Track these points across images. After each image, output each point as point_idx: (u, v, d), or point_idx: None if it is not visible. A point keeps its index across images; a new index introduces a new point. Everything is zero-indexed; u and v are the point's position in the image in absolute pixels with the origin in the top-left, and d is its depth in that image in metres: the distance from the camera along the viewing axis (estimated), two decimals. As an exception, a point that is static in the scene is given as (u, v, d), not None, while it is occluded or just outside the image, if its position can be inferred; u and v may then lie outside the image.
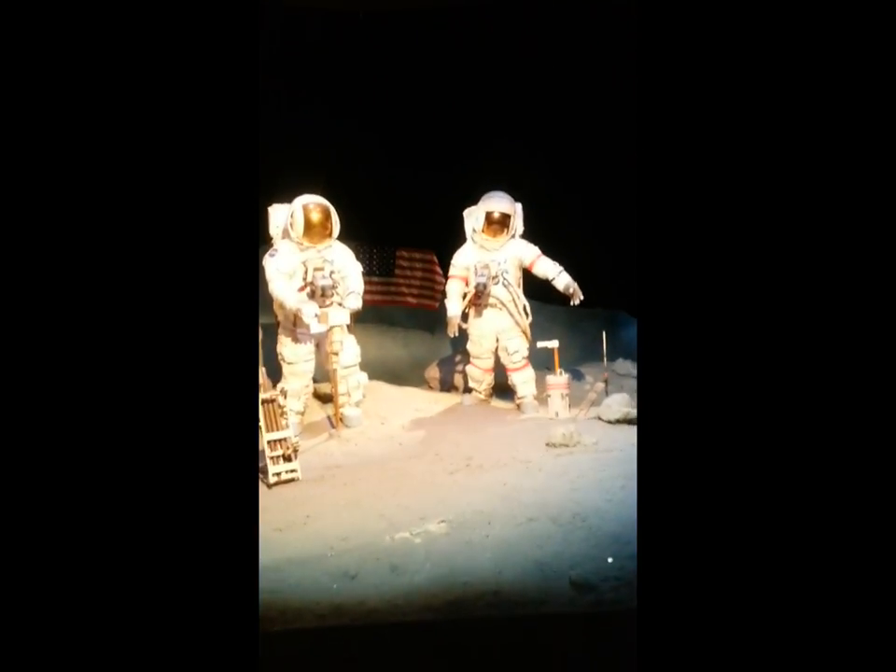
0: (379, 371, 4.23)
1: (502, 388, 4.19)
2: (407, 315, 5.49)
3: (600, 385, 3.85)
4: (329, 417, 3.84)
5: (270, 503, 2.57)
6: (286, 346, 3.75)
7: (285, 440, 3.00)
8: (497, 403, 4.18)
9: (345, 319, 3.51)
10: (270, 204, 3.81)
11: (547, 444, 2.99)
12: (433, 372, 4.91)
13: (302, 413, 3.76)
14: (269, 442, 2.98)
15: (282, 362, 3.79)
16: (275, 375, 3.82)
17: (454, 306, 4.00)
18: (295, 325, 3.70)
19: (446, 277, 4.19)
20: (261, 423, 3.04)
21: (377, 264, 5.06)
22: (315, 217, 3.58)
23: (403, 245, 5.01)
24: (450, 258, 4.11)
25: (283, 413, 3.08)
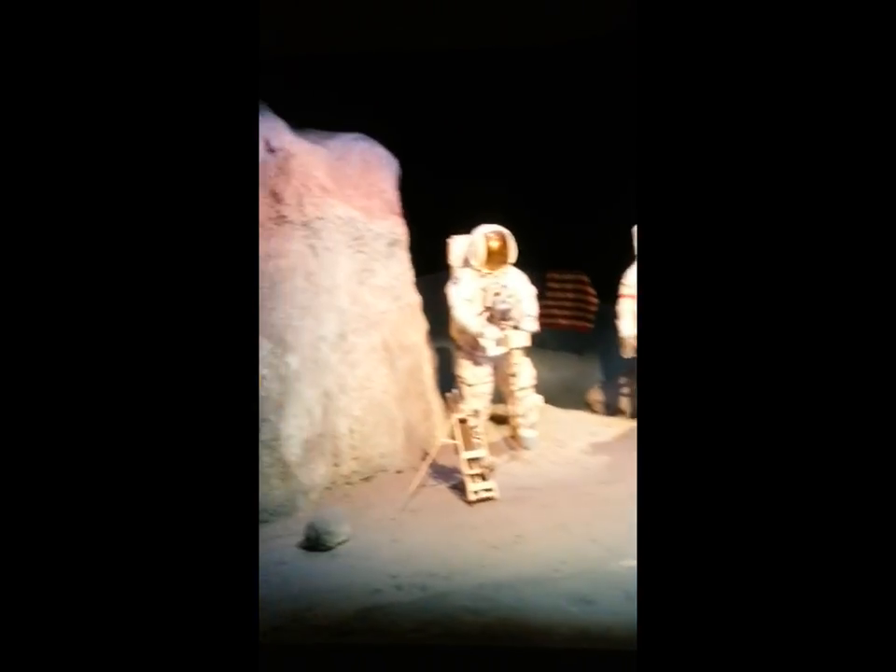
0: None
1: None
2: (554, 336, 5.49)
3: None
4: (504, 439, 3.93)
5: (478, 521, 2.70)
6: (466, 369, 3.92)
7: (480, 459, 3.13)
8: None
9: (526, 342, 3.60)
10: (449, 237, 4.05)
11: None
12: (596, 395, 4.84)
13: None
14: (467, 461, 3.12)
15: (461, 384, 3.96)
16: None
17: (628, 326, 3.95)
18: (474, 348, 3.87)
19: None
20: (458, 442, 3.20)
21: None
22: (495, 244, 3.73)
23: (553, 268, 5.04)
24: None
25: (475, 434, 3.22)
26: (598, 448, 3.70)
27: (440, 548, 2.54)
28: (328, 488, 3.39)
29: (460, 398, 3.45)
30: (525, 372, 3.75)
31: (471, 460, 3.13)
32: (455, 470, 3.20)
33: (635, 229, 4.13)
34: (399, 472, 3.70)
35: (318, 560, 2.59)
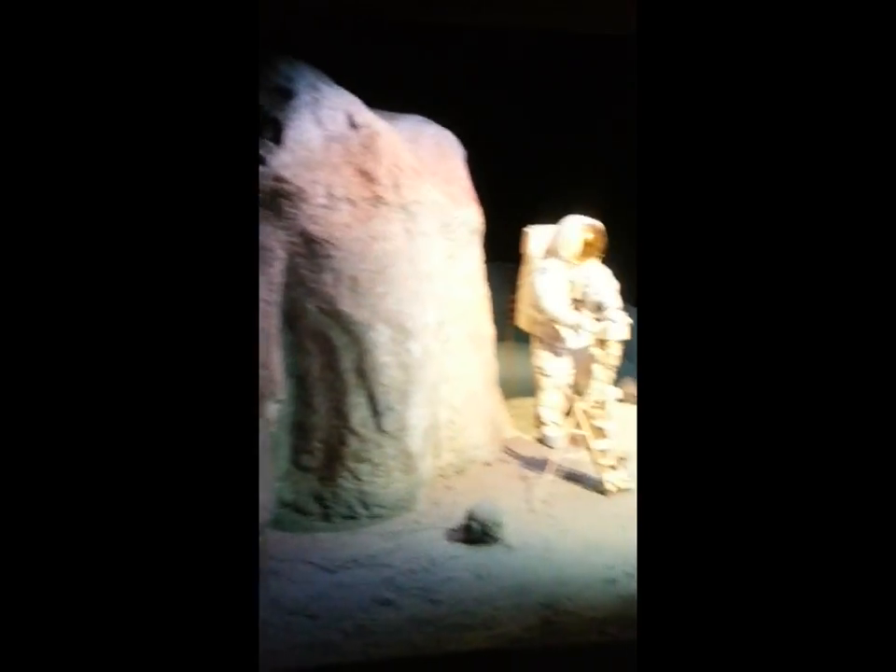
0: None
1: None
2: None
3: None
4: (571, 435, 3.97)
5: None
6: (546, 360, 3.92)
7: (609, 449, 3.15)
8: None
9: (626, 333, 3.67)
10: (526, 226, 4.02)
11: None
12: (630, 389, 5.02)
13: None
14: (598, 451, 3.13)
15: (541, 375, 3.96)
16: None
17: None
18: (556, 340, 3.87)
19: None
20: (587, 432, 3.19)
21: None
22: (590, 236, 3.77)
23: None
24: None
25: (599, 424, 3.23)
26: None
27: (625, 536, 2.53)
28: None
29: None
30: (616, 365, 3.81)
31: (602, 450, 3.14)
32: (538, 462, 3.19)
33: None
34: (487, 464, 3.64)
35: (494, 553, 2.48)
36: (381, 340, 3.07)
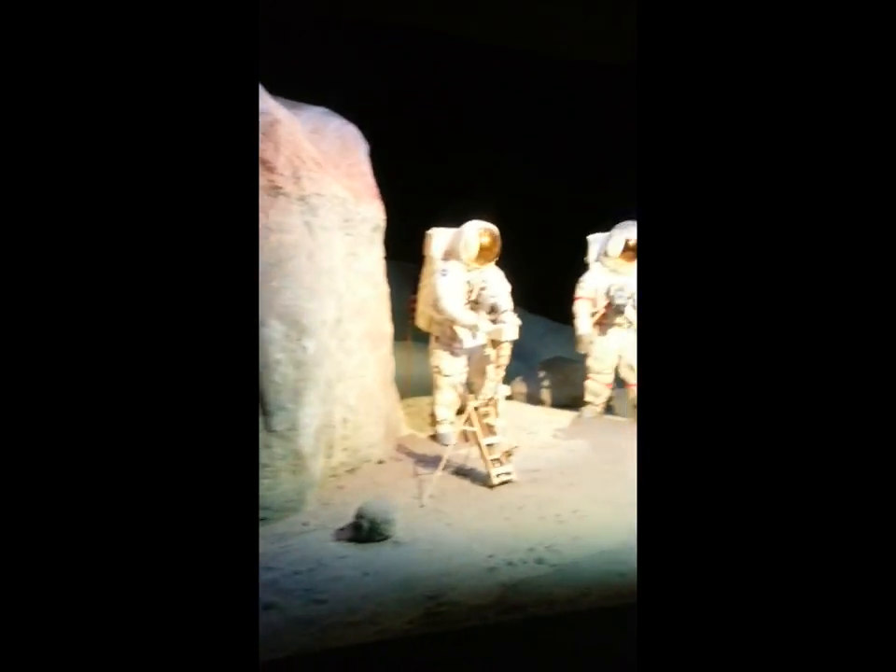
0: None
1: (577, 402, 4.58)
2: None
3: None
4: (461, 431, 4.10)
5: (516, 501, 2.88)
6: (443, 360, 4.00)
7: (498, 444, 3.27)
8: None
9: (516, 335, 3.82)
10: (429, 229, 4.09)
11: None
12: (518, 388, 5.25)
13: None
14: (487, 446, 3.24)
15: (438, 375, 4.03)
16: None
17: (585, 325, 4.41)
18: (453, 340, 3.97)
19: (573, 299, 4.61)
20: (477, 429, 3.29)
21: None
22: (486, 240, 3.89)
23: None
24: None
25: (489, 420, 3.35)
26: (567, 433, 4.08)
27: (507, 526, 2.64)
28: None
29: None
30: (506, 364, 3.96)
31: (491, 445, 3.25)
32: (431, 459, 3.27)
33: (589, 237, 4.65)
34: (380, 462, 3.65)
35: (382, 550, 2.50)
36: (274, 336, 2.99)
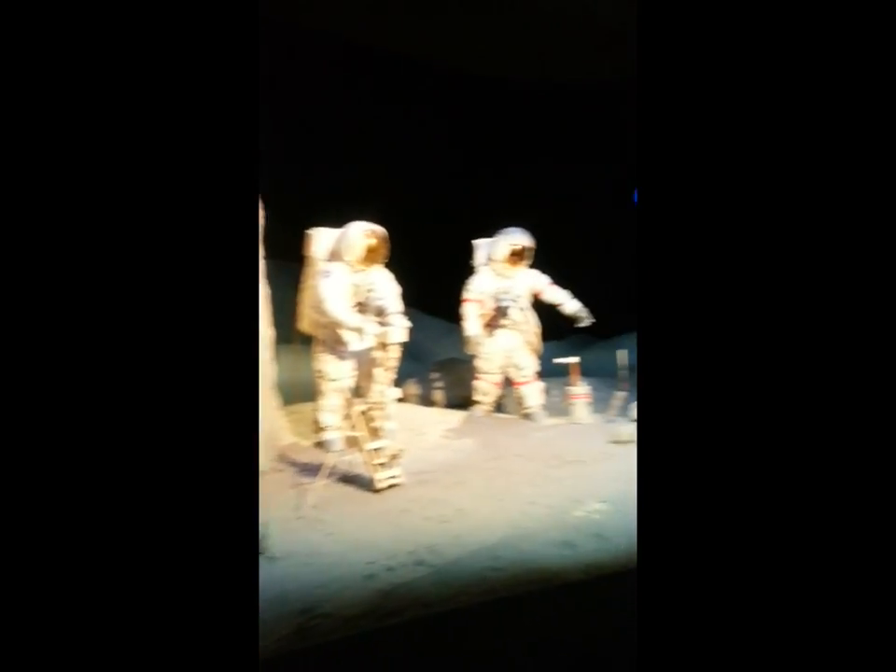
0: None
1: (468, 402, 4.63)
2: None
3: (622, 395, 4.38)
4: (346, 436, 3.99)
5: (401, 504, 2.83)
6: (328, 364, 3.87)
7: (384, 448, 3.19)
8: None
9: (405, 337, 3.77)
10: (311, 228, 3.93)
11: (614, 441, 3.60)
12: (411, 389, 5.23)
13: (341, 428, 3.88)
14: (371, 451, 3.14)
15: (321, 379, 3.89)
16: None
17: (474, 326, 4.46)
18: (338, 343, 3.85)
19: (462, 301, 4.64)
20: (363, 433, 3.19)
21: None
22: (374, 242, 3.81)
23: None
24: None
25: (375, 424, 3.26)
26: (457, 433, 4.08)
27: (390, 530, 2.57)
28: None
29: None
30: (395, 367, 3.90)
31: (376, 450, 3.17)
32: (314, 467, 3.17)
33: (475, 242, 4.71)
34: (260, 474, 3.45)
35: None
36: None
